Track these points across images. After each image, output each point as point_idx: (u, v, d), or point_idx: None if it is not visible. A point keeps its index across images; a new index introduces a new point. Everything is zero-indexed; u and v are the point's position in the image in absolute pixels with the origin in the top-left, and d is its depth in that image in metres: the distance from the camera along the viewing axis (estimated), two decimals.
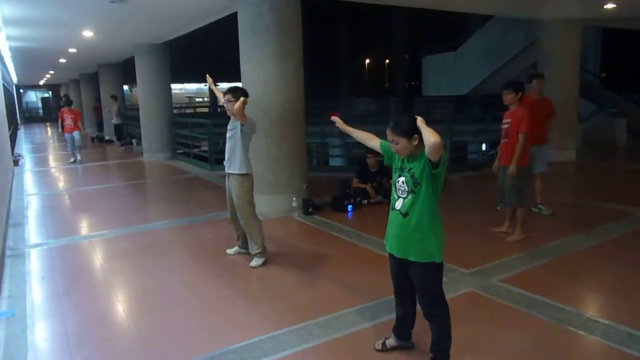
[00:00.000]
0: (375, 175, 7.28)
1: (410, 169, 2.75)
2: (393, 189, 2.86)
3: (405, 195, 2.77)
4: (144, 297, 4.31)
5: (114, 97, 16.95)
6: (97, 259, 5.39)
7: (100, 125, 20.47)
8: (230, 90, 4.73)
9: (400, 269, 2.93)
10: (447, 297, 3.94)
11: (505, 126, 5.45)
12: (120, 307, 4.12)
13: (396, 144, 2.73)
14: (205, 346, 3.35)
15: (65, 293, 4.41)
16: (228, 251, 5.22)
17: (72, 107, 13.38)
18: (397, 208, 2.83)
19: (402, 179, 2.79)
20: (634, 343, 3.18)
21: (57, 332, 3.69)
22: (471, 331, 3.48)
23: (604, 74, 18.42)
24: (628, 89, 16.47)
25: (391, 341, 3.18)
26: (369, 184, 7.23)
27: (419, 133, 2.62)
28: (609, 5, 9.10)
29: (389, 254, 2.98)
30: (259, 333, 3.46)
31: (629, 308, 3.77)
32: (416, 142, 2.67)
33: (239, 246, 5.19)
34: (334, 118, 3.38)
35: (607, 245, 5.24)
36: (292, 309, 3.89)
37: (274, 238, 6.12)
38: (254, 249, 4.88)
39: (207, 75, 5.61)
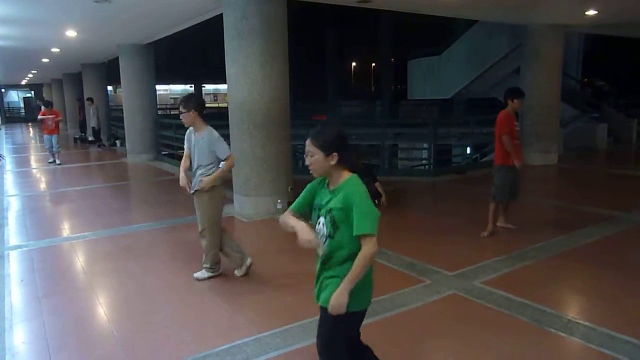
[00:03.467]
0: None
1: (330, 208, 2.24)
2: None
3: (324, 240, 2.27)
4: (126, 300, 4.26)
5: (90, 100, 16.77)
6: (78, 261, 5.31)
7: (82, 126, 20.23)
8: (182, 101, 4.35)
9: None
10: (431, 299, 4.00)
11: (517, 129, 5.70)
12: (101, 310, 4.06)
13: (311, 156, 2.26)
14: (187, 349, 3.32)
15: (45, 296, 4.33)
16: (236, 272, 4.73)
17: (52, 108, 13.27)
18: (319, 254, 2.32)
19: (321, 219, 2.29)
20: (613, 345, 3.22)
21: (36, 336, 3.62)
22: (453, 333, 3.50)
23: (585, 79, 18.70)
24: (610, 94, 16.75)
25: None
26: None
27: (341, 151, 2.24)
28: (591, 12, 9.26)
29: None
30: (242, 336, 3.43)
31: (610, 310, 3.83)
32: (333, 162, 2.23)
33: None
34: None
35: (589, 248, 5.31)
36: (276, 312, 3.88)
37: (258, 240, 6.10)
38: (204, 260, 4.58)
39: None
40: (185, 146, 4.54)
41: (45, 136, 12.81)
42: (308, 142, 2.27)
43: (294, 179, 7.25)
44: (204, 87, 39.89)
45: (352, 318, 2.35)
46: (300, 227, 2.26)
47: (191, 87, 39.50)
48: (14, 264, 5.21)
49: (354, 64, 37.43)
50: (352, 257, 2.22)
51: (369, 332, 3.48)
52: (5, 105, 39.80)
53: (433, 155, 10.04)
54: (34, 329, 3.73)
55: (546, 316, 3.64)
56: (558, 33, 10.68)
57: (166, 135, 12.91)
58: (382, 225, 6.57)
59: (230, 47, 6.72)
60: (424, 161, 11.94)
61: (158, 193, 9.24)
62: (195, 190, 4.43)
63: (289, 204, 7.29)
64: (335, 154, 2.22)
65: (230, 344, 3.33)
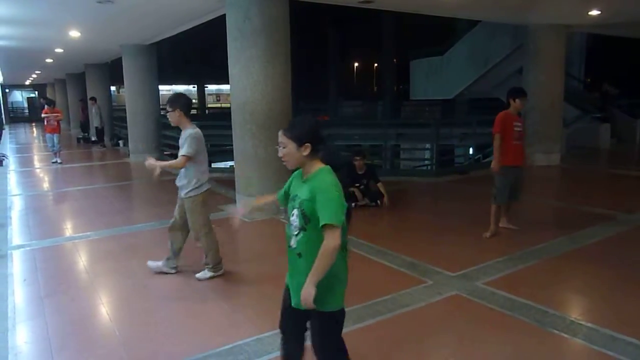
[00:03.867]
0: (362, 178, 7.30)
1: (300, 199, 2.26)
2: (288, 222, 2.37)
3: (297, 232, 2.28)
4: (128, 300, 4.27)
5: (93, 99, 16.82)
6: (81, 261, 5.32)
7: (84, 127, 20.32)
8: (169, 101, 4.36)
9: (297, 314, 2.41)
10: (433, 300, 3.99)
11: (518, 129, 5.63)
12: (103, 309, 4.07)
13: (283, 147, 2.28)
14: (189, 349, 3.32)
15: (47, 295, 4.34)
16: (149, 263, 4.77)
17: (54, 106, 13.34)
18: (292, 246, 2.32)
19: (295, 211, 2.29)
20: (616, 346, 3.21)
21: (38, 335, 3.63)
22: (455, 334, 3.50)
23: (588, 79, 18.67)
24: (613, 94, 16.70)
25: None
26: (357, 185, 7.24)
27: (314, 142, 2.24)
28: (594, 12, 9.25)
29: (286, 284, 2.48)
30: (243, 336, 3.44)
31: (612, 311, 3.82)
32: (306, 153, 2.23)
33: (163, 262, 4.71)
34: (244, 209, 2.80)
35: (591, 248, 5.30)
36: (277, 312, 3.87)
37: (260, 240, 6.11)
38: (205, 260, 4.60)
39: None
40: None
41: (47, 135, 12.88)
42: (280, 134, 2.29)
43: None
44: (207, 87, 39.93)
45: (336, 318, 2.37)
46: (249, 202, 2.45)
47: (194, 87, 39.56)
48: (17, 264, 5.23)
49: (356, 64, 37.45)
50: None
51: (371, 332, 3.49)
52: (9, 105, 39.91)
53: (435, 156, 10.03)
54: (37, 329, 3.74)
55: (549, 317, 3.63)
56: (560, 33, 10.66)
57: (169, 135, 12.91)
58: (384, 226, 6.61)
59: (232, 48, 6.73)
60: (426, 162, 11.93)
61: (160, 193, 9.25)
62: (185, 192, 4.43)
63: None
64: (308, 144, 2.23)
65: (231, 344, 3.33)
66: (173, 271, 4.71)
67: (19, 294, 4.40)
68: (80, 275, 4.92)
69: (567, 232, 5.80)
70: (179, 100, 4.36)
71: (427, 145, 11.41)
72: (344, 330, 3.45)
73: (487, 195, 5.93)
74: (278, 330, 3.50)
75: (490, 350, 3.27)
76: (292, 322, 2.49)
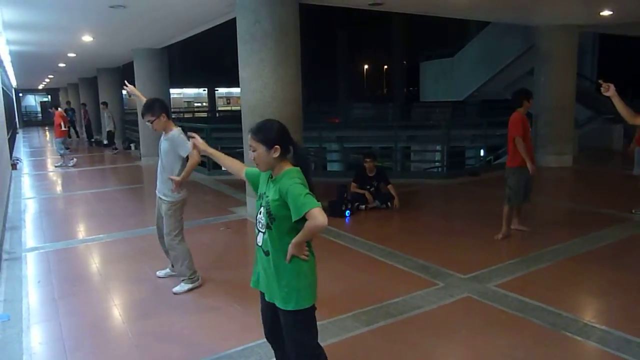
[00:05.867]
0: (372, 180, 7.29)
1: (267, 198, 2.32)
2: (255, 220, 2.43)
3: (264, 230, 2.36)
4: (140, 302, 4.30)
5: (105, 104, 17.01)
6: (94, 263, 5.38)
7: (88, 130, 20.73)
8: (149, 109, 4.16)
9: (269, 309, 2.49)
10: (445, 302, 3.98)
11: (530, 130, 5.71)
12: (116, 311, 4.11)
13: (253, 151, 2.31)
14: (201, 351, 3.34)
15: (61, 297, 4.39)
16: (158, 273, 4.75)
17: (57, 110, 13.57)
18: (259, 244, 2.40)
19: (262, 209, 2.35)
20: (631, 349, 3.18)
21: (52, 337, 3.68)
22: (467, 336, 3.48)
23: (600, 80, 18.46)
24: (625, 95, 16.54)
25: None
26: (367, 187, 7.23)
27: (283, 144, 2.30)
28: (606, 12, 9.16)
29: (260, 292, 2.52)
30: (255, 338, 3.44)
31: (626, 314, 3.78)
32: (276, 155, 2.28)
33: (169, 268, 4.73)
34: (193, 136, 2.88)
35: (604, 250, 5.24)
36: None
37: None
38: (178, 271, 4.45)
39: (125, 83, 4.86)
40: (159, 152, 4.40)
41: (59, 139, 13.06)
42: (249, 137, 2.34)
43: None
44: (217, 90, 40.17)
45: (305, 315, 2.38)
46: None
47: (204, 90, 39.82)
48: (31, 266, 5.30)
49: (366, 66, 37.43)
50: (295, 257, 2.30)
51: (383, 334, 3.48)
52: (23, 110, 40.44)
53: (446, 158, 9.99)
54: (51, 330, 3.78)
55: (562, 320, 3.60)
56: (571, 33, 10.57)
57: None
58: (395, 228, 6.60)
59: (243, 51, 6.77)
60: (436, 163, 11.89)
61: None
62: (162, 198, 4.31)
63: None
64: (277, 147, 2.28)
65: (243, 346, 3.34)
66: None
67: (33, 296, 4.46)
68: (94, 277, 4.97)
69: (579, 234, 5.75)
70: (157, 105, 4.18)
71: (438, 147, 11.38)
72: (356, 333, 3.49)
73: (498, 196, 5.90)
74: None
75: (502, 352, 3.24)
76: (275, 329, 2.52)
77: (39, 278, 4.90)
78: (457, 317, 3.77)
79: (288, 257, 2.28)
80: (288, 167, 2.33)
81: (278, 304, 2.37)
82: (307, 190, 2.21)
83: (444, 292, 4.17)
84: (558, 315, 3.66)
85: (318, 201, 2.18)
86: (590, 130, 13.47)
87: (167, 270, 4.73)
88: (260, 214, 2.36)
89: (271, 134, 2.31)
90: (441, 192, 8.97)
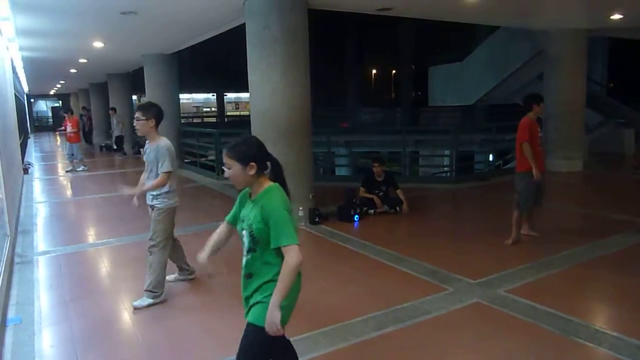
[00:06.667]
0: (381, 185, 7.29)
1: (249, 221, 2.22)
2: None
3: (247, 253, 2.27)
4: (150, 305, 4.31)
5: (113, 110, 17.17)
6: (104, 266, 5.42)
7: (88, 136, 21.00)
8: (141, 108, 4.14)
9: None
10: (454, 307, 3.96)
11: (540, 134, 5.66)
12: (126, 314, 4.13)
13: (228, 169, 2.23)
14: (211, 354, 3.35)
15: (72, 300, 4.43)
16: (167, 278, 4.54)
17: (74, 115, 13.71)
18: (242, 266, 2.31)
19: (244, 232, 2.26)
20: None
21: (64, 339, 3.71)
22: (477, 342, 3.46)
23: (611, 84, 18.34)
24: (636, 99, 16.40)
25: None
26: (376, 192, 7.23)
27: (259, 160, 2.22)
28: (616, 16, 9.11)
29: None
30: None
31: (638, 320, 3.74)
32: (252, 172, 2.20)
33: (178, 273, 4.75)
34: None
35: (615, 256, 5.19)
36: (297, 318, 3.86)
37: None
38: (146, 283, 4.23)
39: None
40: (144, 159, 4.35)
41: (69, 144, 13.21)
42: (224, 154, 2.23)
43: (316, 187, 7.28)
44: (226, 95, 40.37)
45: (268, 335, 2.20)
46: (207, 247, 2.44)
47: (213, 95, 40.04)
48: (43, 269, 5.35)
49: (374, 70, 37.45)
50: (277, 275, 2.17)
51: (392, 339, 3.47)
52: (35, 115, 40.88)
53: (455, 162, 9.96)
54: (62, 333, 3.82)
55: (573, 326, 3.57)
56: (581, 38, 10.52)
57: (189, 144, 13.09)
58: (404, 232, 6.58)
59: (252, 56, 6.81)
60: (445, 168, 11.86)
61: (181, 200, 9.36)
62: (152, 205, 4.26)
63: (311, 211, 7.30)
64: (253, 164, 2.20)
65: None
66: (192, 276, 4.77)
67: (44, 299, 4.50)
68: (104, 280, 5.01)
69: (590, 239, 5.70)
70: (154, 109, 4.13)
71: (446, 152, 11.34)
72: (365, 338, 3.49)
73: (507, 201, 5.87)
74: (301, 337, 3.52)
75: (512, 358, 3.22)
76: None
77: (50, 281, 4.95)
78: (466, 323, 3.75)
79: (269, 327, 2.14)
80: (267, 184, 2.26)
81: (248, 317, 2.27)
82: (292, 222, 2.16)
83: (453, 298, 4.16)
84: (568, 321, 3.63)
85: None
86: (601, 134, 13.37)
87: (176, 274, 4.75)
88: (242, 237, 2.27)
89: (247, 150, 2.22)
90: (450, 196, 8.94)
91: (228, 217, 2.46)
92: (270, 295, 2.16)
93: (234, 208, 2.43)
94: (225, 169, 2.25)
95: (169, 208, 4.26)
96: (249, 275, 2.28)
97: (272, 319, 2.13)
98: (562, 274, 4.69)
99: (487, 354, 3.30)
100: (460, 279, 4.53)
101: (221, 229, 2.50)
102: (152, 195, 4.24)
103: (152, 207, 4.29)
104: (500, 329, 3.62)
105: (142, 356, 3.42)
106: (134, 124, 4.22)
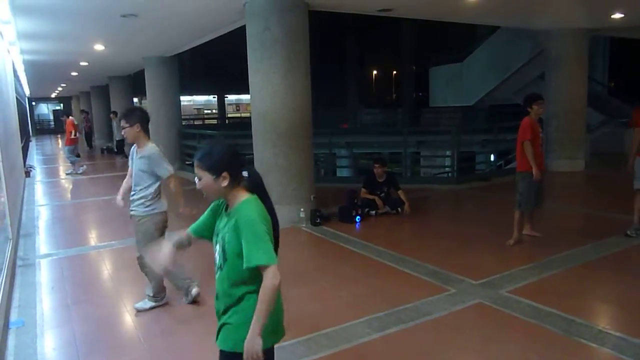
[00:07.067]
0: (382, 186, 7.28)
1: (223, 235, 2.05)
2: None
3: (218, 269, 2.11)
4: (152, 308, 4.32)
5: (114, 113, 17.21)
6: (106, 269, 5.42)
7: (88, 138, 21.01)
8: (124, 116, 3.96)
9: None
10: (456, 308, 3.95)
11: (541, 135, 5.66)
12: (128, 317, 4.13)
13: (199, 179, 2.04)
14: (213, 357, 3.34)
15: (74, 303, 4.43)
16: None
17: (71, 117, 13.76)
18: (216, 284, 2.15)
19: (217, 247, 2.09)
20: None
21: (66, 342, 3.71)
22: (479, 343, 3.46)
23: (612, 84, 18.32)
24: (638, 98, 16.37)
25: None
26: (377, 193, 7.23)
27: (232, 170, 2.01)
28: (617, 15, 9.10)
29: None
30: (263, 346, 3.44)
31: None
32: (225, 184, 2.00)
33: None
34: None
35: (618, 257, 5.18)
36: (299, 320, 3.88)
37: (281, 249, 6.13)
38: (147, 289, 4.20)
39: None
40: (129, 164, 4.19)
41: (69, 147, 13.25)
42: (195, 164, 2.05)
43: (317, 188, 7.27)
44: (227, 97, 40.40)
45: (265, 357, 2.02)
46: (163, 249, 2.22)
47: (214, 97, 40.07)
48: (45, 272, 5.35)
49: (375, 71, 37.46)
50: (251, 293, 2.01)
51: (394, 341, 3.47)
52: (36, 118, 40.97)
53: (456, 163, 9.95)
54: (64, 335, 3.82)
55: (576, 326, 3.56)
56: (582, 37, 10.51)
57: (190, 145, 13.10)
58: (406, 233, 6.57)
59: (253, 58, 6.81)
60: (446, 169, 11.85)
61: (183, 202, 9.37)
62: (133, 214, 4.09)
63: (312, 212, 7.27)
64: (225, 174, 1.99)
65: None
66: (194, 294, 4.46)
67: (46, 302, 4.50)
68: (106, 283, 5.01)
69: (592, 239, 5.69)
70: (136, 114, 3.97)
71: (448, 153, 11.33)
72: (367, 339, 3.48)
73: (509, 202, 5.86)
74: (303, 338, 3.53)
75: (515, 358, 3.21)
76: None
77: (52, 284, 4.96)
78: (469, 323, 3.75)
79: (248, 356, 1.95)
80: (244, 196, 2.05)
81: (218, 344, 2.11)
82: (269, 238, 1.99)
83: (455, 298, 4.15)
84: (571, 322, 3.62)
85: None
86: (603, 134, 13.35)
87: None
88: (216, 252, 2.09)
89: (218, 160, 2.01)
90: (451, 197, 8.94)
91: (191, 227, 2.26)
92: (239, 316, 2.02)
93: (202, 217, 2.23)
94: (196, 180, 2.05)
95: (150, 215, 4.09)
96: (219, 296, 2.13)
97: (252, 347, 1.94)
98: (565, 274, 4.68)
99: (490, 355, 3.29)
100: (462, 280, 4.52)
101: (181, 237, 2.28)
102: (138, 205, 4.06)
103: (131, 214, 4.12)
104: (502, 330, 3.61)
105: (144, 358, 3.42)
106: (122, 133, 4.09)
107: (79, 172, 13.18)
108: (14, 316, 4.17)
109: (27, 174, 12.68)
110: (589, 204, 8.09)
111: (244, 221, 1.97)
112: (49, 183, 12.26)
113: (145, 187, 4.02)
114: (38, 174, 13.80)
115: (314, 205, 6.91)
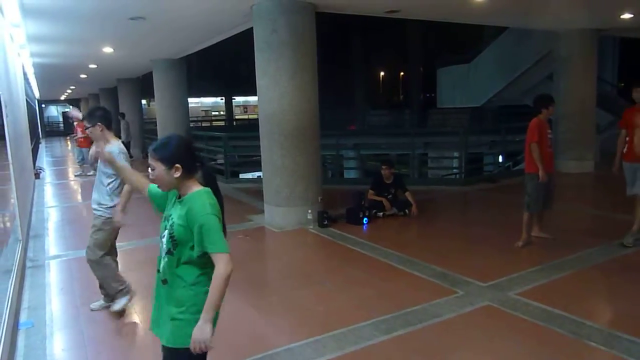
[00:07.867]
0: (389, 187, 7.27)
1: (172, 221, 2.08)
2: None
3: (164, 255, 2.11)
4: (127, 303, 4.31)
5: (122, 115, 17.32)
6: None
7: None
8: (86, 117, 4.02)
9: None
10: (464, 310, 3.93)
11: (550, 136, 5.59)
12: (137, 318, 4.15)
13: (152, 169, 2.09)
14: (221, 357, 3.35)
15: (83, 304, 4.45)
16: (92, 306, 4.31)
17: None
18: (159, 270, 2.15)
19: (165, 232, 2.12)
20: None
21: (75, 343, 3.74)
22: (487, 346, 3.43)
23: (622, 84, 18.15)
24: None
25: None
26: (385, 194, 7.21)
27: (185, 162, 2.06)
28: (626, 15, 9.02)
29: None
30: (274, 346, 3.45)
31: None
32: (177, 175, 2.05)
33: (103, 299, 4.33)
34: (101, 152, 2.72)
35: (628, 258, 5.13)
36: (307, 322, 3.89)
37: (289, 251, 6.13)
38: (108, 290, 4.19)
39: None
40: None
41: (81, 149, 13.34)
42: (150, 155, 2.10)
43: (324, 189, 7.27)
44: (234, 99, 40.53)
45: (194, 357, 2.05)
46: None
47: (222, 99, 40.23)
48: (54, 273, 5.40)
49: (382, 72, 37.44)
50: (195, 284, 2.05)
51: (402, 343, 3.46)
52: (45, 120, 41.33)
53: (464, 164, 9.91)
54: (73, 337, 3.85)
55: (585, 329, 3.53)
56: (591, 38, 10.43)
57: (198, 147, 13.15)
58: (413, 235, 6.54)
59: (260, 60, 6.83)
60: (454, 170, 11.80)
61: None
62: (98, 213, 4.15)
63: (319, 214, 7.28)
64: (178, 165, 2.05)
65: (262, 354, 3.35)
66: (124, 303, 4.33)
67: (56, 303, 4.54)
68: None
69: (602, 241, 5.64)
70: (97, 114, 3.99)
71: (456, 154, 11.29)
72: (375, 341, 3.47)
73: (518, 203, 5.82)
74: (310, 340, 3.52)
75: None
76: None
77: (61, 285, 5.00)
78: (477, 326, 3.73)
79: (196, 344, 1.98)
80: (196, 187, 2.10)
81: (164, 342, 2.11)
82: (220, 229, 2.01)
83: (463, 301, 4.13)
84: (581, 324, 3.59)
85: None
86: (612, 135, 13.19)
87: (102, 302, 4.33)
88: (163, 237, 2.12)
89: (171, 151, 2.06)
90: (459, 199, 8.90)
91: (153, 186, 2.29)
92: (187, 310, 2.03)
93: (161, 197, 2.28)
94: (149, 170, 2.11)
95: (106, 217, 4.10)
96: (165, 281, 2.11)
97: (203, 335, 1.97)
98: (574, 276, 4.64)
99: (498, 358, 3.27)
100: (470, 282, 4.50)
101: (143, 181, 2.45)
102: (96, 200, 4.15)
103: (94, 211, 4.21)
104: (511, 332, 3.58)
105: None
106: (87, 132, 4.10)
107: (89, 174, 13.27)
108: (23, 317, 4.20)
109: (37, 175, 12.78)
110: (599, 205, 8.02)
111: (197, 211, 2.01)
112: (58, 185, 12.36)
113: (108, 184, 4.13)
114: (47, 175, 13.91)
115: (322, 206, 6.91)
